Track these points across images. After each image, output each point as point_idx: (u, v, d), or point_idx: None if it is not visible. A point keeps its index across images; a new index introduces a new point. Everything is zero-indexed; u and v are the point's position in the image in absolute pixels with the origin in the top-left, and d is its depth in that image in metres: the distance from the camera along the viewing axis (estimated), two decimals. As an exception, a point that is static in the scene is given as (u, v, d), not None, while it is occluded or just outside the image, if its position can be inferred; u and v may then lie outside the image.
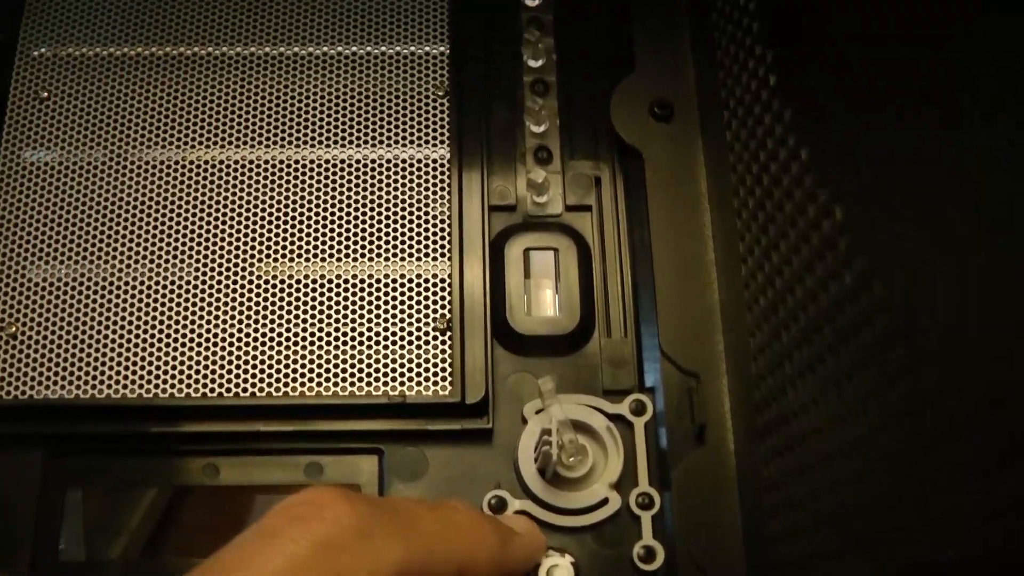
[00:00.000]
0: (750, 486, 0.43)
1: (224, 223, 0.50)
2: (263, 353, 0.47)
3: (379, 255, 0.49)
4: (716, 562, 0.43)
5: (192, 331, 0.48)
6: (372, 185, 0.51)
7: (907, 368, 0.29)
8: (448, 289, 0.48)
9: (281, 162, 0.51)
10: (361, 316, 0.48)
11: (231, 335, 0.48)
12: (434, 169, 0.51)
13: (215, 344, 0.47)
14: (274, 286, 0.49)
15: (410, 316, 0.48)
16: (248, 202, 0.50)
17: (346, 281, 0.49)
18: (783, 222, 0.39)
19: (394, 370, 0.47)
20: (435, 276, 0.49)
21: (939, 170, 0.27)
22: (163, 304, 0.48)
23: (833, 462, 0.35)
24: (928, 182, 0.28)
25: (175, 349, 0.47)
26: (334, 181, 0.51)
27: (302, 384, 0.47)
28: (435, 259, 0.49)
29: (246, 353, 0.47)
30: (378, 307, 0.48)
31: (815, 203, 0.36)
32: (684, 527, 0.43)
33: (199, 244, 0.50)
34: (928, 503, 0.28)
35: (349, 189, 0.51)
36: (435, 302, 0.48)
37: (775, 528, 0.40)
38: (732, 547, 0.43)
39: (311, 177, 0.51)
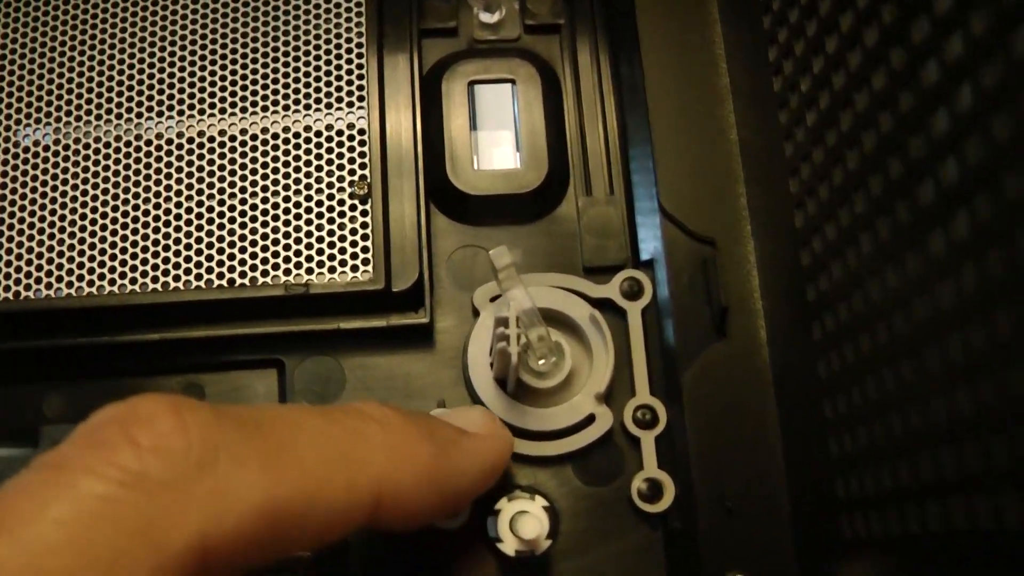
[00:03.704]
0: (797, 389, 0.32)
1: (64, 70, 0.38)
2: (120, 238, 0.36)
3: (275, 104, 0.38)
4: (749, 499, 0.33)
5: (29, 212, 0.36)
6: (265, 15, 0.39)
7: None
8: (366, 143, 0.37)
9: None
10: (252, 184, 0.37)
11: (79, 216, 0.36)
12: (347, -12, 0.39)
13: (58, 229, 0.36)
14: (135, 148, 0.37)
15: (318, 181, 0.37)
16: (103, 45, 0.38)
17: (232, 138, 0.37)
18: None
19: (298, 252, 0.36)
20: (349, 127, 0.38)
21: None
22: (-35, 171, 0.36)
23: (942, 342, 0.22)
24: None
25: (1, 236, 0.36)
26: (214, 11, 0.39)
27: (168, 275, 0.35)
28: (349, 104, 0.38)
29: (97, 239, 0.36)
30: (274, 171, 0.37)
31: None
32: (702, 452, 0.33)
33: (53, 95, 0.38)
34: None
35: (235, 21, 0.39)
36: (351, 160, 0.37)
37: (841, 449, 0.29)
38: (771, 478, 0.33)
39: (184, 6, 0.38)
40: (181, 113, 0.37)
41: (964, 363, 0.22)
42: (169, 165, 0.36)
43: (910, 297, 0.24)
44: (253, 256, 0.35)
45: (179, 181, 0.36)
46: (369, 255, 0.35)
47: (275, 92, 0.37)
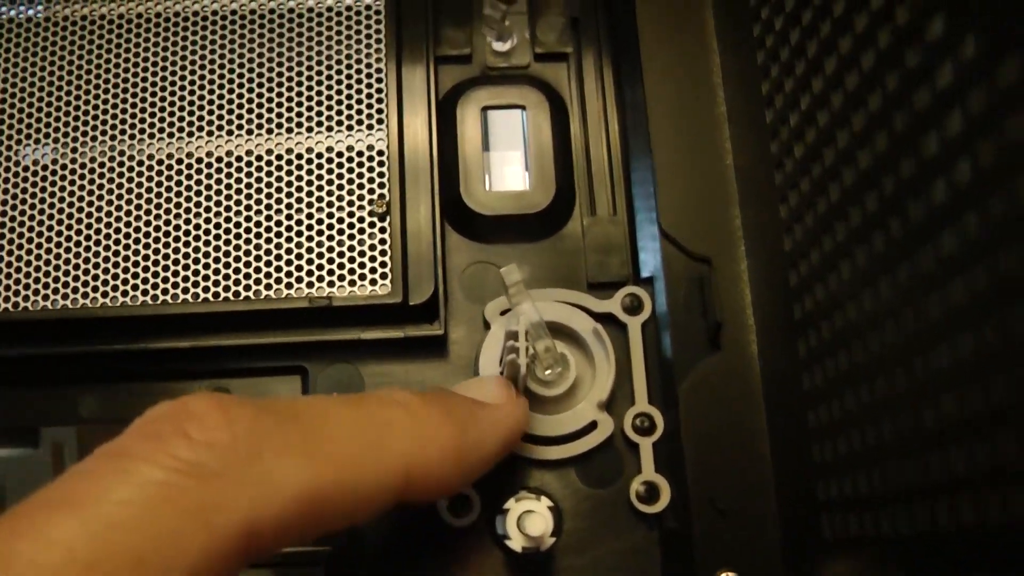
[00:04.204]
0: (785, 400, 0.33)
1: (95, 90, 0.39)
2: (152, 251, 0.37)
3: (300, 126, 0.39)
4: (740, 502, 0.34)
5: (66, 226, 0.38)
6: (288, 42, 0.40)
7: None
8: (385, 163, 0.38)
9: (176, 15, 0.40)
10: (276, 201, 0.38)
11: (114, 230, 0.37)
12: (367, 17, 0.40)
13: (94, 242, 0.37)
14: (167, 166, 0.38)
15: (339, 199, 0.38)
16: (132, 66, 0.40)
17: (259, 159, 0.39)
18: (831, 30, 0.28)
19: (320, 267, 0.37)
20: (370, 148, 0.39)
21: None
22: (28, 196, 0.37)
23: (911, 359, 0.24)
24: None
25: (42, 248, 0.37)
26: (244, 39, 0.40)
27: (198, 287, 0.37)
28: (369, 127, 0.39)
29: (132, 252, 0.37)
30: (299, 189, 0.38)
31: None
32: (697, 457, 0.34)
33: (83, 119, 0.39)
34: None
35: (260, 47, 0.40)
36: (371, 180, 0.38)
37: (822, 456, 0.30)
38: (761, 482, 0.34)
39: (215, 35, 0.40)
40: (212, 134, 0.38)
41: (929, 381, 0.24)
42: (200, 183, 0.38)
43: (883, 320, 0.26)
44: (279, 270, 0.37)
45: (210, 199, 0.38)
46: (388, 270, 0.37)
47: (300, 115, 0.39)
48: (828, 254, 0.29)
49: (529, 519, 0.33)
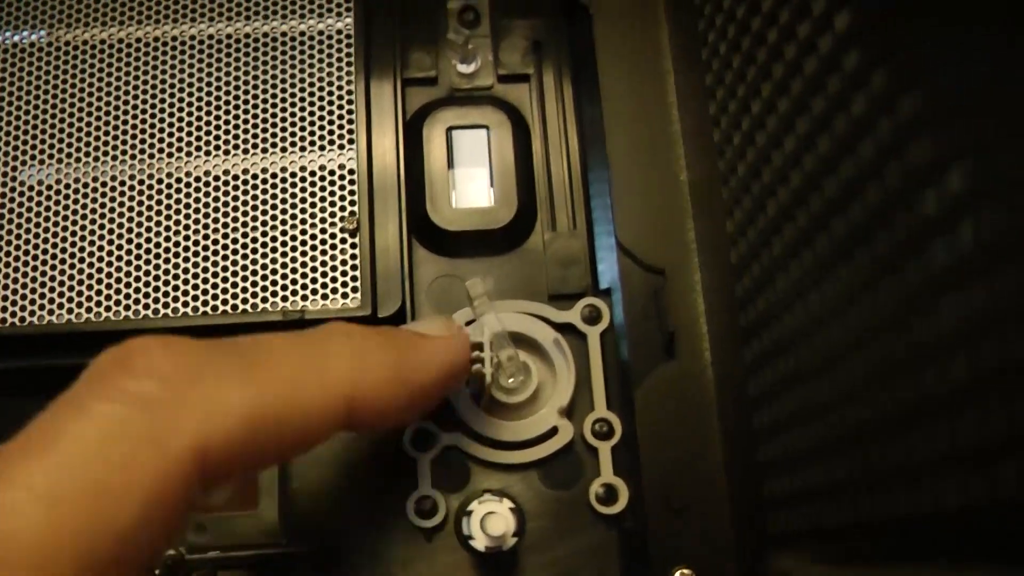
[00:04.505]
0: (734, 405, 0.35)
1: (77, 112, 0.41)
2: (130, 266, 0.39)
3: (272, 146, 0.41)
4: (694, 501, 0.35)
5: (51, 244, 0.39)
6: (263, 65, 0.42)
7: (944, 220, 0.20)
8: (355, 182, 0.40)
9: (155, 39, 0.42)
10: (252, 219, 0.40)
11: (92, 246, 0.39)
12: (338, 41, 0.42)
13: (72, 258, 0.39)
14: (143, 186, 0.40)
15: (311, 216, 0.40)
16: (106, 89, 0.41)
17: (234, 177, 0.40)
18: (766, 56, 0.30)
19: (294, 281, 0.39)
20: (340, 167, 0.40)
21: None
22: (14, 215, 0.39)
23: (838, 365, 0.26)
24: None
25: (22, 263, 0.39)
26: (218, 62, 0.42)
27: (177, 302, 0.38)
28: (339, 147, 0.41)
29: (115, 268, 0.39)
30: (273, 207, 0.40)
31: (808, 17, 0.26)
32: (653, 459, 0.36)
33: (52, 138, 0.41)
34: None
35: (236, 70, 0.42)
36: (341, 198, 0.40)
37: (766, 456, 0.32)
38: (713, 482, 0.36)
39: (191, 58, 0.42)
40: (190, 155, 0.40)
41: (855, 384, 0.26)
42: (179, 202, 0.39)
43: (814, 329, 0.28)
44: (254, 284, 0.38)
45: (188, 217, 0.39)
46: (358, 283, 0.38)
47: (274, 135, 0.40)
48: (767, 267, 0.31)
49: (491, 520, 0.34)
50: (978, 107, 0.19)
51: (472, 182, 0.41)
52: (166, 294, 0.38)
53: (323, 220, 0.39)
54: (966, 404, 0.20)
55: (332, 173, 0.40)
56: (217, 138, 0.40)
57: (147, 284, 0.38)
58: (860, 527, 0.26)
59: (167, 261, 0.39)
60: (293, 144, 0.40)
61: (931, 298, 0.21)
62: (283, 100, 0.41)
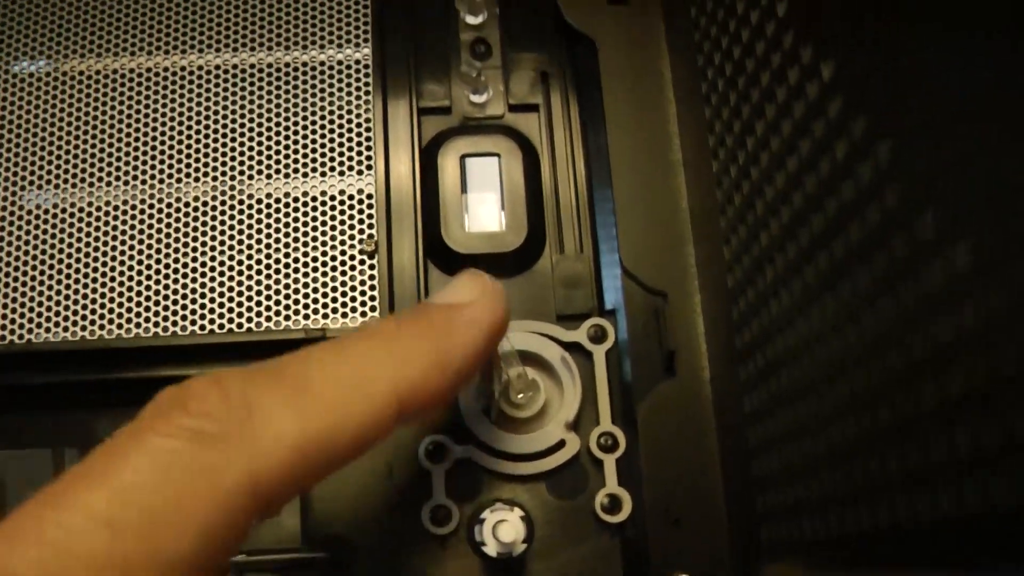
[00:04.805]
0: (730, 421, 0.37)
1: (110, 139, 0.43)
2: (158, 285, 0.41)
3: (294, 171, 0.43)
4: (693, 511, 0.37)
5: (84, 264, 0.41)
6: (285, 94, 0.44)
7: (912, 259, 0.22)
8: (373, 206, 0.42)
9: (182, 68, 0.44)
10: (275, 240, 0.42)
11: (121, 266, 0.41)
12: (356, 72, 0.44)
13: (100, 278, 0.41)
14: (171, 209, 0.42)
15: (332, 239, 0.42)
16: (138, 116, 0.43)
17: (258, 201, 0.42)
18: (759, 96, 0.32)
19: (315, 300, 0.41)
20: (359, 192, 0.42)
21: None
22: (31, 234, 0.41)
23: (829, 385, 0.28)
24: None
25: (45, 285, 0.41)
26: (242, 90, 0.44)
27: (204, 319, 0.41)
28: (359, 172, 0.43)
29: (145, 287, 0.41)
30: (295, 229, 0.42)
31: (797, 64, 0.29)
32: (654, 472, 0.38)
33: (85, 163, 0.43)
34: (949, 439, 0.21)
35: (259, 99, 0.44)
36: (360, 221, 0.42)
37: (760, 469, 0.34)
38: (711, 494, 0.37)
39: (216, 86, 0.44)
40: (217, 179, 0.42)
41: (842, 404, 0.28)
42: (206, 224, 0.41)
43: (803, 351, 0.30)
44: (277, 303, 0.40)
45: (215, 239, 0.41)
46: (376, 303, 0.40)
47: (296, 161, 0.42)
48: (760, 293, 0.33)
49: (502, 527, 0.36)
50: (946, 158, 0.21)
51: (484, 207, 0.43)
52: (194, 312, 0.40)
53: (343, 242, 0.41)
54: (956, 419, 0.22)
55: (351, 197, 0.42)
56: (241, 163, 0.43)
57: (176, 303, 0.40)
58: (850, 538, 0.28)
59: (194, 281, 0.41)
60: (314, 170, 0.43)
61: (904, 327, 0.23)
62: (304, 127, 0.43)
